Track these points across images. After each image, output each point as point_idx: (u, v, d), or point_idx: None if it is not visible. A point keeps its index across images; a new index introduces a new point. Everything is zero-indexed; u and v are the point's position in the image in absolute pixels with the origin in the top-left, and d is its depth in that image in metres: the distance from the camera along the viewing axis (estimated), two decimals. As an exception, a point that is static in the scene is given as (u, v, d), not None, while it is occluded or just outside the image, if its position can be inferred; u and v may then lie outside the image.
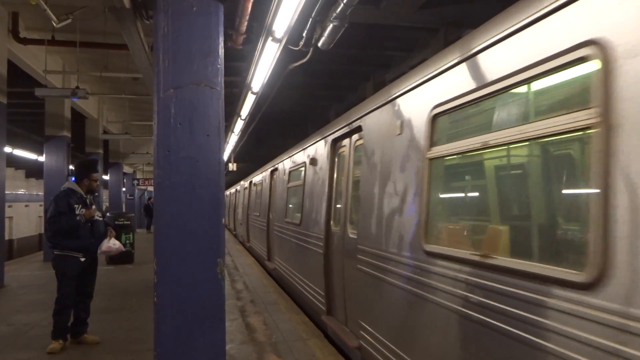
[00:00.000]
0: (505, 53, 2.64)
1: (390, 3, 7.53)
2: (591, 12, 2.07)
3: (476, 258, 2.74)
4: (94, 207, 5.47)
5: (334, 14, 5.51)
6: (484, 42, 2.85)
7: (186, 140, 3.28)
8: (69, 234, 5.15)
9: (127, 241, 12.37)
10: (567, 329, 2.01)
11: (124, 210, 22.28)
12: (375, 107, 4.64)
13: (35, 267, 12.08)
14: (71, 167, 13.68)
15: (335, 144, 6.13)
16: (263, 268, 11.64)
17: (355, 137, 5.43)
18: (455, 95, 3.10)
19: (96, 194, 5.74)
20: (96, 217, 5.43)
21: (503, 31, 2.65)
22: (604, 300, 1.85)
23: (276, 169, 10.84)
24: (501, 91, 2.66)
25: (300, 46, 6.26)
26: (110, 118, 17.94)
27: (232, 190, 25.14)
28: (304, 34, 6.13)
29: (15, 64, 9.89)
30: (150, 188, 28.16)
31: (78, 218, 5.21)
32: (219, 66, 3.43)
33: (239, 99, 10.14)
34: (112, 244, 5.34)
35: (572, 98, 2.30)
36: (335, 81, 12.72)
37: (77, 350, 5.25)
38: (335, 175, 6.11)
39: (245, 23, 5.53)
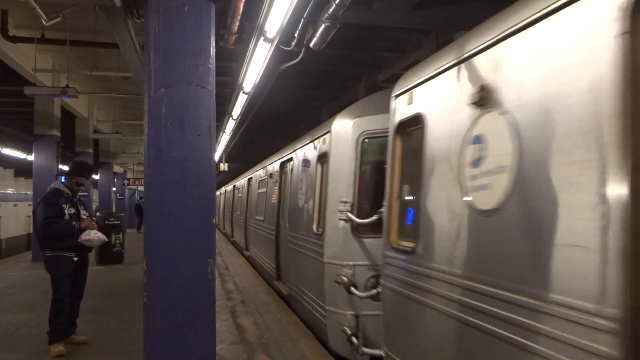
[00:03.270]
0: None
1: (383, 4, 7.55)
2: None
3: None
4: (93, 221, 5.47)
5: (326, 15, 5.51)
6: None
7: (177, 139, 3.27)
8: (61, 236, 5.12)
9: (117, 241, 12.31)
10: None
11: (114, 210, 22.15)
12: (293, 150, 7.53)
13: (23, 267, 11.96)
14: (61, 166, 13.59)
15: (283, 165, 8.64)
16: None
17: (291, 162, 7.82)
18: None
19: (86, 193, 5.73)
20: (82, 216, 5.40)
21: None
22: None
23: (251, 178, 13.29)
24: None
25: (292, 46, 6.25)
26: (101, 117, 17.82)
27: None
28: (296, 34, 6.13)
29: (5, 62, 9.80)
30: (141, 188, 27.98)
31: (74, 223, 5.19)
32: (210, 66, 3.42)
33: (230, 99, 10.11)
34: (92, 233, 5.29)
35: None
36: (327, 82, 12.72)
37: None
38: (282, 186, 8.59)
39: (237, 23, 5.51)
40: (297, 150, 7.34)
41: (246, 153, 22.52)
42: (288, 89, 12.24)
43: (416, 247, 3.25)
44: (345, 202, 4.98)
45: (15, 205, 31.73)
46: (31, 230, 15.85)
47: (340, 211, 4.99)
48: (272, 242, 8.92)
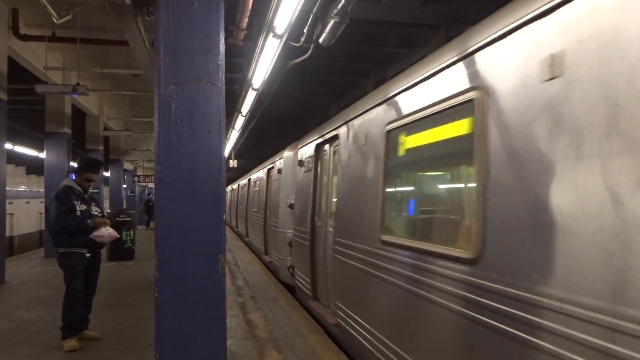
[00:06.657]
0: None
1: (391, -1, 7.52)
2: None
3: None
4: (105, 219, 5.51)
5: (335, 10, 5.49)
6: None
7: (187, 136, 3.28)
8: (75, 232, 5.17)
9: (128, 237, 12.39)
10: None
11: (124, 206, 22.31)
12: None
13: (36, 263, 12.09)
14: (72, 164, 13.70)
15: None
16: None
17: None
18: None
19: (97, 190, 5.79)
20: (94, 212, 5.44)
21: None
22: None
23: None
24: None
25: (301, 42, 6.24)
26: (111, 114, 17.94)
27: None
28: (305, 30, 6.11)
29: (16, 61, 9.88)
30: (151, 184, 28.14)
31: (88, 221, 5.24)
32: (219, 62, 3.42)
33: (239, 96, 10.13)
34: (104, 230, 5.35)
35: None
36: (335, 78, 12.69)
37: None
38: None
39: (246, 19, 5.52)
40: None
41: (255, 149, 22.56)
42: (297, 85, 12.23)
43: None
44: None
45: (27, 202, 32.08)
46: (43, 227, 15.98)
47: None
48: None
